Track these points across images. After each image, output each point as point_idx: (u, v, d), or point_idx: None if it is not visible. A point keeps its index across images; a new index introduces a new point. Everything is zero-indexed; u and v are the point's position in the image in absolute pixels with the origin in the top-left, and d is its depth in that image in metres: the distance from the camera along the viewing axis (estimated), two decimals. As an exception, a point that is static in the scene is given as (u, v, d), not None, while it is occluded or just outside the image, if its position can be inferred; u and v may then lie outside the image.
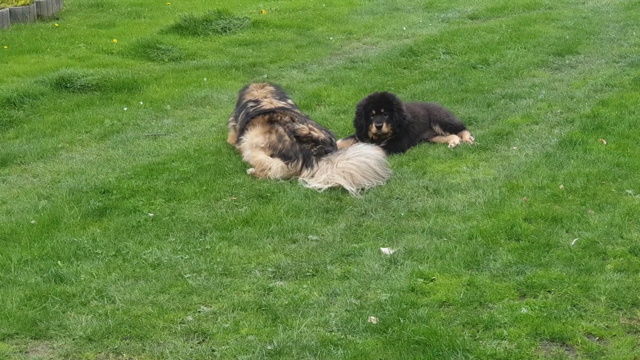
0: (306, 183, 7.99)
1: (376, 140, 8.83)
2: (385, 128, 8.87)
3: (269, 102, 9.00)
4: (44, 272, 6.28)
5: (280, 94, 9.33)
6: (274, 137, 8.47)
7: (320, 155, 8.24)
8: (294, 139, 8.38)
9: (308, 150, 8.28)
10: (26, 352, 5.38)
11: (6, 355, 5.32)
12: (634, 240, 6.74)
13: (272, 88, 9.41)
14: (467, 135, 9.18)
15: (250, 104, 9.05)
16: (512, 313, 5.70)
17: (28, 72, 11.76)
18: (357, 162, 7.99)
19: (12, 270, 6.33)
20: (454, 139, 9.08)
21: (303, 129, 8.48)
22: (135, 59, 12.92)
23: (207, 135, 9.47)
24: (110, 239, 6.86)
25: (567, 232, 6.93)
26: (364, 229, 7.07)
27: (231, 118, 9.28)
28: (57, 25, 15.13)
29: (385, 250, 6.65)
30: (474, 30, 14.69)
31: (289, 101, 9.25)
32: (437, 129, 9.28)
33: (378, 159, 8.13)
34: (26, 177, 8.33)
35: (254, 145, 8.48)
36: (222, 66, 12.46)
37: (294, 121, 8.60)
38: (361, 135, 8.97)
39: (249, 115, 8.85)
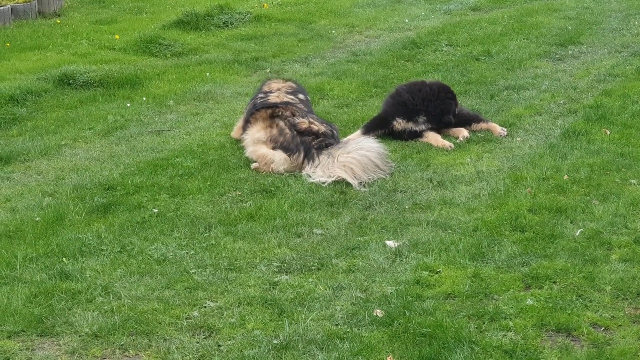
0: (310, 177, 8.00)
1: None
2: None
3: (276, 97, 9.01)
4: (49, 269, 6.29)
5: (295, 92, 9.28)
6: (275, 131, 8.49)
7: (321, 148, 8.24)
8: (295, 132, 8.40)
9: (309, 142, 8.29)
10: (32, 350, 5.39)
11: (13, 353, 5.34)
12: (638, 230, 6.74)
13: (292, 84, 9.40)
14: (497, 128, 9.14)
15: (260, 95, 9.10)
16: (517, 304, 5.71)
17: (30, 69, 11.77)
18: (358, 156, 7.99)
19: (18, 267, 6.34)
20: (463, 133, 9.06)
21: (303, 122, 8.51)
22: (137, 54, 12.92)
23: (211, 131, 9.48)
24: (115, 235, 6.87)
25: (571, 222, 6.93)
26: (369, 222, 7.07)
27: (246, 108, 9.31)
28: (58, 21, 15.13)
29: (390, 243, 6.65)
30: (476, 21, 14.67)
31: (300, 96, 9.22)
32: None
33: (379, 152, 8.13)
34: (30, 175, 8.34)
35: (256, 140, 8.50)
36: (224, 61, 12.45)
37: (294, 115, 8.62)
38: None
39: (255, 107, 8.90)
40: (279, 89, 9.16)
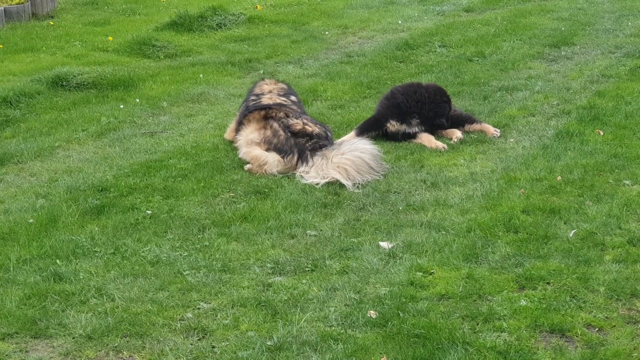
0: (303, 178, 7.99)
1: None
2: None
3: (269, 98, 9.00)
4: (42, 271, 6.28)
5: (287, 94, 9.29)
6: (269, 133, 8.49)
7: (315, 149, 8.24)
8: (289, 134, 8.40)
9: (303, 144, 8.29)
10: (26, 352, 5.38)
11: (6, 355, 5.32)
12: (632, 231, 6.75)
13: (284, 86, 9.40)
14: (491, 129, 9.14)
15: (252, 97, 9.09)
16: (511, 305, 5.71)
17: (24, 71, 11.75)
18: (352, 157, 7.99)
19: (11, 269, 6.32)
20: (456, 134, 9.06)
21: (297, 124, 8.50)
22: (130, 56, 12.91)
23: (204, 132, 9.47)
24: (108, 237, 6.86)
25: (565, 223, 6.93)
26: (362, 224, 7.07)
27: (239, 109, 9.29)
28: (52, 23, 15.11)
29: (384, 244, 6.65)
30: (469, 22, 14.68)
31: (292, 97, 9.23)
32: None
33: (373, 153, 8.13)
34: (23, 176, 8.33)
35: (249, 141, 8.49)
36: (217, 62, 12.45)
37: (288, 117, 8.61)
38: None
39: (247, 109, 8.89)
40: (270, 91, 9.15)
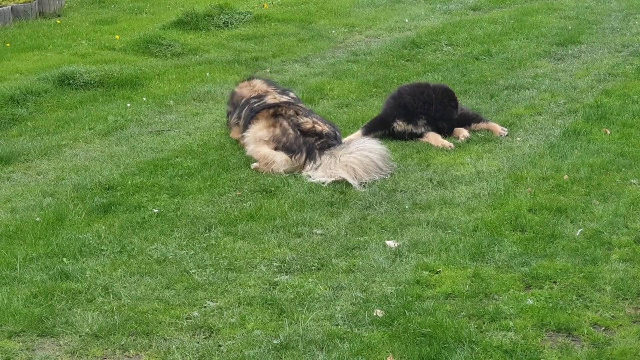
0: (310, 177, 7.99)
1: None
2: None
3: (273, 97, 8.98)
4: (49, 270, 6.29)
5: (285, 91, 9.28)
6: (277, 131, 8.47)
7: (323, 149, 8.23)
8: (298, 133, 8.38)
9: (312, 143, 8.28)
10: (33, 350, 5.39)
11: (13, 353, 5.34)
12: (638, 230, 6.74)
13: (262, 82, 9.36)
14: (498, 128, 9.12)
15: (254, 100, 9.02)
16: (517, 304, 5.71)
17: (31, 70, 11.77)
18: (360, 157, 7.99)
19: (18, 267, 6.34)
20: (463, 133, 9.05)
21: (307, 122, 8.48)
22: (137, 54, 12.92)
23: (211, 131, 9.48)
24: (115, 235, 6.87)
25: (571, 222, 6.93)
26: (369, 222, 7.07)
27: (234, 118, 9.18)
28: (59, 22, 15.13)
29: (390, 243, 6.65)
30: (476, 21, 14.67)
31: (291, 94, 9.23)
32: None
33: (381, 153, 8.13)
34: (30, 175, 8.34)
35: (258, 139, 8.48)
36: (224, 61, 12.45)
37: (298, 115, 8.60)
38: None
39: (253, 111, 8.83)
40: (267, 91, 9.06)
